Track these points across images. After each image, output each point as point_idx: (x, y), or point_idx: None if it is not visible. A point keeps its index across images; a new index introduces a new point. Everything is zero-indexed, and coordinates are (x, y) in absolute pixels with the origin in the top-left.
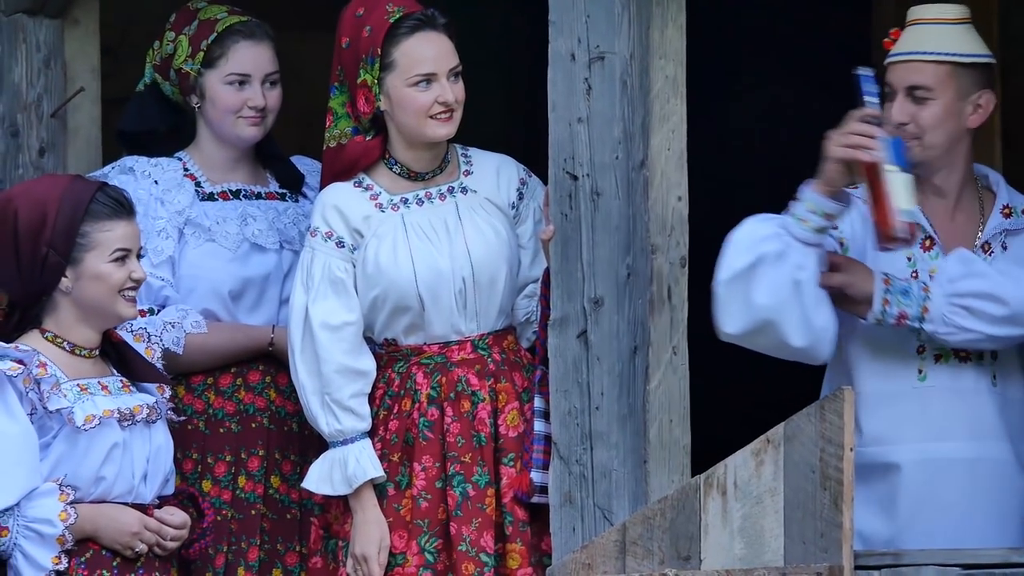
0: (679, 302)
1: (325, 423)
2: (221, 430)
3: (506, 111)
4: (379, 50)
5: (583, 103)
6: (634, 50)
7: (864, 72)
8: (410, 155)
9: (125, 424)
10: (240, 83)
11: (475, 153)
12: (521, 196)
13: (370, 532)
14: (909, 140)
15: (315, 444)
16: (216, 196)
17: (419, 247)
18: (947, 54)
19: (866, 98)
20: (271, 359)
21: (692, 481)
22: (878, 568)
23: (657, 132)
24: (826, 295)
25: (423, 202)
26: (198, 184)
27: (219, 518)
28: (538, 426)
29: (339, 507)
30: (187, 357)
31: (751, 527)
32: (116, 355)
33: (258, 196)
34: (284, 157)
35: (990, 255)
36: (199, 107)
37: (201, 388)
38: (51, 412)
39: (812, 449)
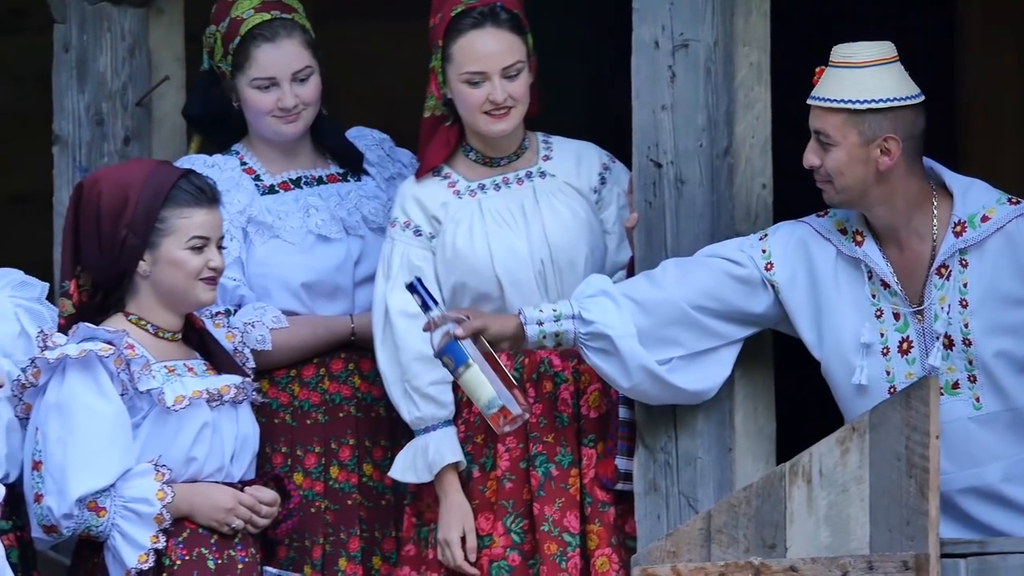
0: None
1: (407, 411)
2: (308, 421)
3: (590, 99)
4: (441, 41)
5: (667, 91)
6: (718, 37)
7: (413, 281)
8: (483, 143)
9: (214, 404)
10: (266, 86)
11: (557, 140)
12: (603, 181)
13: (452, 517)
14: (823, 183)
15: (404, 428)
16: (277, 188)
17: (495, 231)
18: (844, 101)
19: (425, 303)
20: (353, 346)
21: (777, 469)
22: (964, 556)
23: (741, 119)
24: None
25: (500, 187)
26: (257, 178)
27: (312, 510)
28: (622, 413)
29: (431, 495)
30: (271, 355)
31: (836, 515)
32: (199, 342)
33: (319, 181)
34: (341, 139)
35: (947, 278)
36: (238, 106)
37: (285, 381)
38: (141, 393)
39: (897, 437)
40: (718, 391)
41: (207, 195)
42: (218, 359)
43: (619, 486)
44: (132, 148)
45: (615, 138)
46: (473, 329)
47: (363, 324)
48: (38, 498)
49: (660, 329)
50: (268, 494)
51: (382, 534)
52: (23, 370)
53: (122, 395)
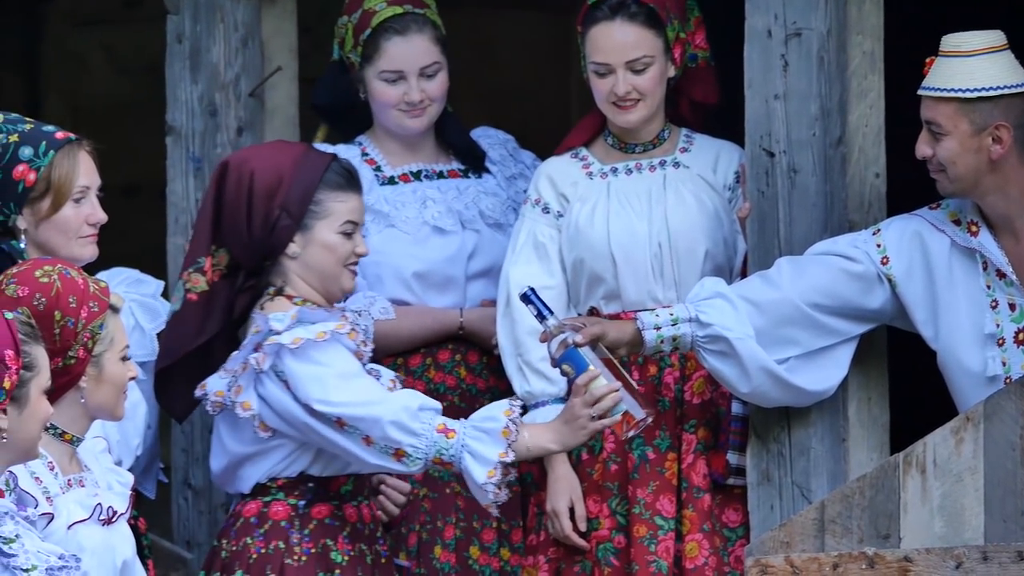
0: None
1: (518, 385)
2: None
3: None
4: (579, 28)
5: (780, 80)
6: (831, 26)
7: (527, 291)
8: (619, 128)
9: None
10: (394, 79)
11: (700, 137)
12: (739, 180)
13: (559, 489)
14: (936, 172)
15: None
16: (397, 179)
17: (617, 210)
18: (954, 90)
19: (541, 313)
20: (461, 339)
21: (891, 459)
22: None
23: (855, 108)
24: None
25: (632, 172)
26: (378, 168)
27: (411, 497)
28: (735, 407)
29: None
30: (378, 343)
31: (951, 505)
32: None
33: (440, 175)
34: (465, 136)
35: None
36: (365, 97)
37: (391, 368)
38: (368, 370)
39: (1012, 427)
40: None
41: (355, 181)
42: None
43: (730, 481)
44: (245, 138)
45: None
46: (592, 335)
47: (472, 319)
48: (368, 440)
49: (777, 328)
50: (405, 485)
51: (481, 524)
52: (244, 354)
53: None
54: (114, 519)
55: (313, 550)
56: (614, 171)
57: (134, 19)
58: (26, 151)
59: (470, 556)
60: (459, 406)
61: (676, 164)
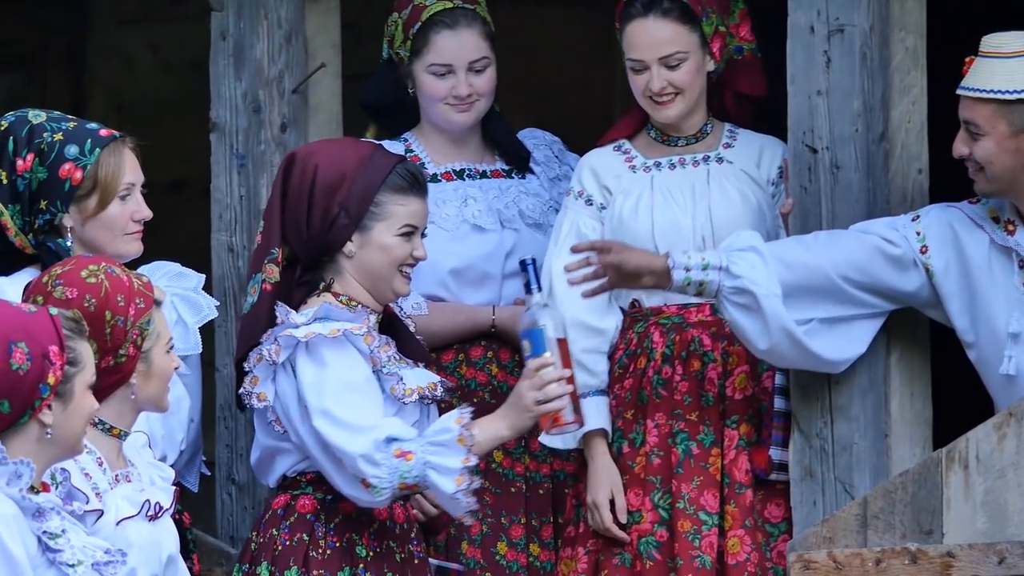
0: None
1: None
2: (443, 406)
3: None
4: (618, 25)
5: (822, 76)
6: (874, 22)
7: (527, 260)
8: (663, 124)
9: (426, 402)
10: (443, 73)
11: (744, 133)
12: (783, 175)
13: (600, 480)
14: (974, 172)
15: None
16: (440, 177)
17: (661, 203)
18: (993, 91)
19: (529, 285)
20: (494, 336)
21: (934, 455)
22: None
23: (897, 105)
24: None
25: (675, 167)
26: (422, 165)
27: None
28: (778, 403)
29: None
30: None
31: (993, 501)
32: (388, 326)
33: (483, 175)
34: (510, 136)
35: None
36: (413, 93)
37: (452, 366)
38: (385, 375)
39: None
40: (875, 376)
41: (419, 184)
42: (408, 346)
43: (773, 476)
44: (289, 135)
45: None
46: (609, 263)
47: (504, 316)
48: (340, 463)
49: (804, 291)
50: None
51: (540, 522)
52: (263, 345)
53: (374, 371)
54: (160, 515)
55: (338, 544)
56: (657, 165)
57: (179, 16)
58: (72, 149)
59: (497, 552)
60: (489, 402)
61: (720, 160)
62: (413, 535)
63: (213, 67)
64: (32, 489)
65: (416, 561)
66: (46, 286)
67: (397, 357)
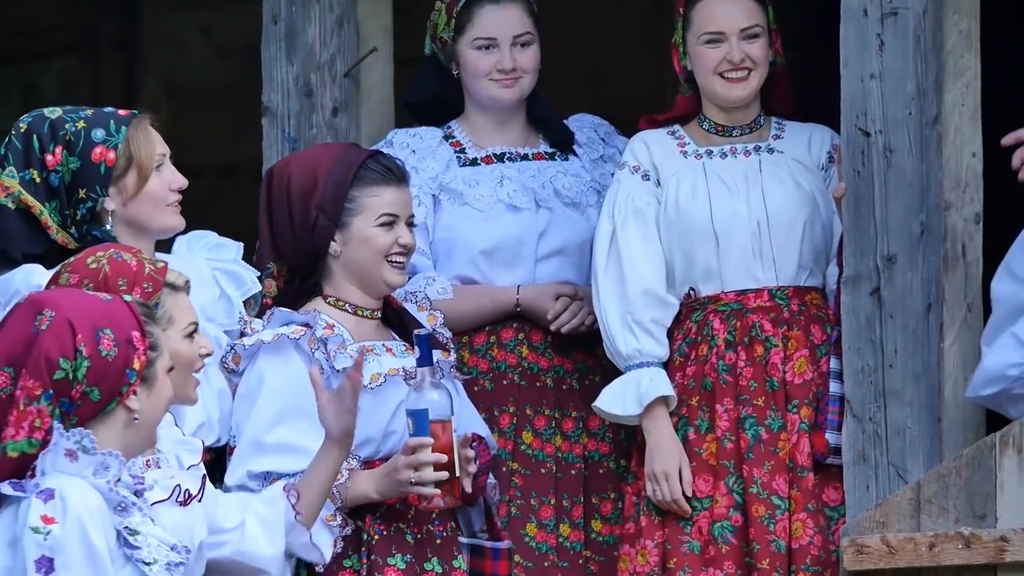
0: (973, 259)
1: (623, 342)
2: (475, 388)
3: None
4: (681, 10)
5: (875, 59)
6: (927, 5)
7: (423, 334)
8: (719, 114)
9: (410, 382)
10: (487, 47)
11: (791, 124)
12: (832, 160)
13: (668, 450)
14: None
15: (572, 399)
16: (479, 161)
17: (717, 188)
18: None
19: (423, 358)
20: (525, 317)
21: (988, 439)
22: None
23: (951, 88)
24: None
25: (726, 156)
26: (462, 150)
27: (504, 469)
28: (833, 387)
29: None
30: None
31: None
32: (398, 322)
33: (524, 158)
34: (554, 118)
35: None
36: (458, 75)
37: (455, 347)
38: (338, 372)
39: None
40: (928, 360)
41: (395, 173)
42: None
43: (830, 460)
44: (340, 119)
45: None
46: None
47: (528, 296)
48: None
49: None
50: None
51: (571, 502)
52: (223, 357)
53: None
54: (188, 502)
55: (385, 532)
56: (709, 153)
57: (231, 1)
58: (98, 133)
59: (527, 533)
60: (519, 384)
61: (770, 150)
62: (435, 515)
63: (265, 51)
64: (117, 480)
65: (439, 541)
66: (58, 275)
67: (365, 350)
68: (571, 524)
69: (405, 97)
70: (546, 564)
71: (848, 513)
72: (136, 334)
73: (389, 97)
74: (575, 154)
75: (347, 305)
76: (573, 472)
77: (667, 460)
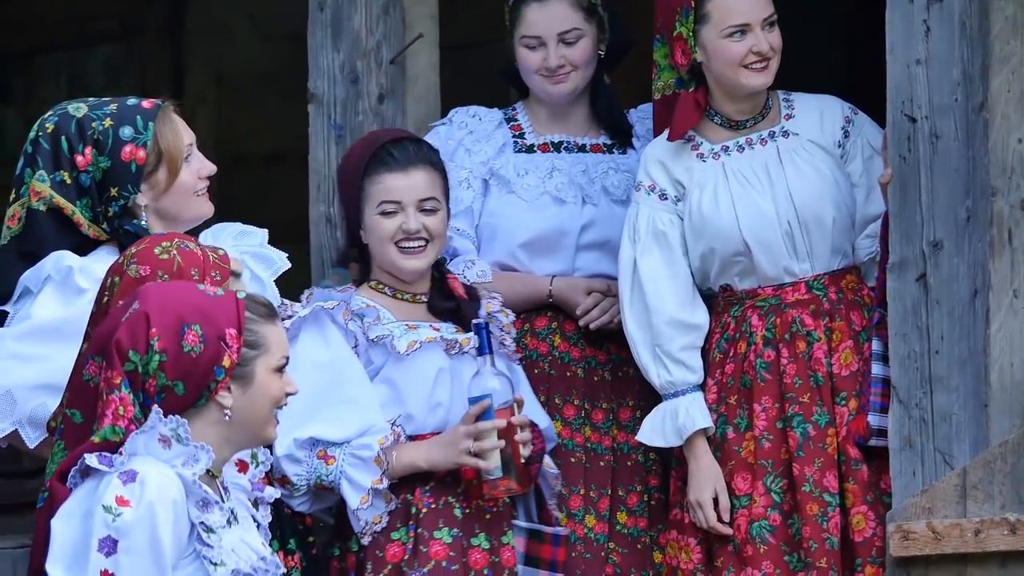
0: (1020, 244)
1: (656, 375)
2: (536, 371)
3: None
4: (693, 3)
5: (922, 45)
6: None
7: (481, 323)
8: (730, 106)
9: (452, 352)
10: (534, 45)
11: (797, 97)
12: (847, 134)
13: (704, 479)
14: None
15: (603, 390)
16: (536, 148)
17: (740, 193)
18: None
19: (481, 349)
20: (559, 307)
21: None
22: None
23: (997, 73)
24: None
25: (744, 149)
26: (521, 135)
27: (572, 460)
28: (876, 369)
29: None
30: None
31: None
32: (457, 310)
33: (582, 148)
34: (613, 108)
35: None
36: (516, 66)
37: (546, 332)
38: (374, 342)
39: None
40: (974, 346)
41: (399, 160)
42: (469, 317)
43: (872, 442)
44: (386, 106)
45: (849, 90)
46: None
47: (561, 287)
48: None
49: None
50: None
51: (626, 491)
52: None
53: (355, 348)
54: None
55: (434, 505)
56: (726, 150)
57: None
58: (126, 131)
59: (585, 524)
60: (549, 373)
61: (785, 133)
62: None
63: (311, 38)
64: (209, 474)
65: (488, 516)
66: (122, 266)
67: (406, 326)
68: (596, 516)
69: (502, 69)
70: (572, 554)
71: (894, 499)
72: (232, 331)
73: (435, 84)
74: (632, 147)
75: (386, 288)
76: (602, 464)
77: (701, 489)
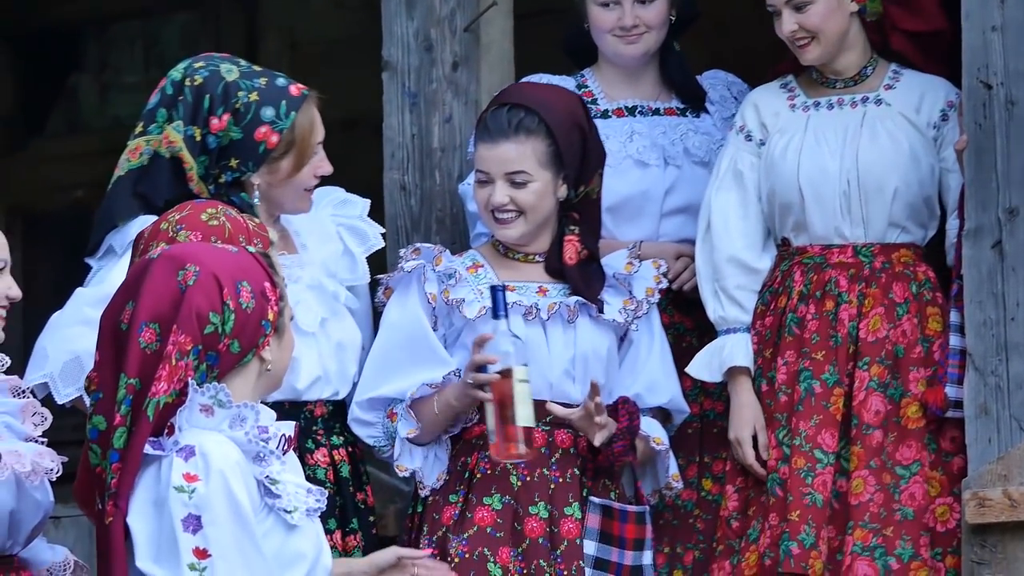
0: None
1: (712, 309)
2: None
3: None
4: None
5: (997, 11)
6: None
7: (498, 287)
8: (823, 65)
9: (530, 318)
10: (608, 3)
11: (907, 73)
12: (945, 118)
13: (744, 417)
14: None
15: (691, 356)
16: (611, 113)
17: (811, 146)
18: None
19: (496, 312)
20: None
21: None
22: None
23: None
24: None
25: (833, 107)
26: (594, 101)
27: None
28: (953, 340)
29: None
30: None
31: None
32: (579, 275)
33: (656, 112)
34: (686, 74)
35: None
36: (587, 28)
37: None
38: (450, 304)
39: None
40: None
41: (491, 131)
42: (587, 292)
43: (949, 413)
44: (460, 74)
45: None
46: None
47: (649, 253)
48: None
49: None
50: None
51: (712, 458)
52: (378, 294)
53: (434, 311)
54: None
55: (454, 468)
56: (816, 105)
57: None
58: (268, 112)
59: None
60: None
61: (878, 101)
62: (555, 460)
63: (385, 6)
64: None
65: (552, 487)
66: (166, 232)
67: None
68: (713, 478)
69: (564, 45)
70: (660, 522)
71: (970, 466)
72: (268, 285)
73: (509, 52)
74: (707, 111)
75: (500, 246)
76: (689, 431)
77: (740, 426)
